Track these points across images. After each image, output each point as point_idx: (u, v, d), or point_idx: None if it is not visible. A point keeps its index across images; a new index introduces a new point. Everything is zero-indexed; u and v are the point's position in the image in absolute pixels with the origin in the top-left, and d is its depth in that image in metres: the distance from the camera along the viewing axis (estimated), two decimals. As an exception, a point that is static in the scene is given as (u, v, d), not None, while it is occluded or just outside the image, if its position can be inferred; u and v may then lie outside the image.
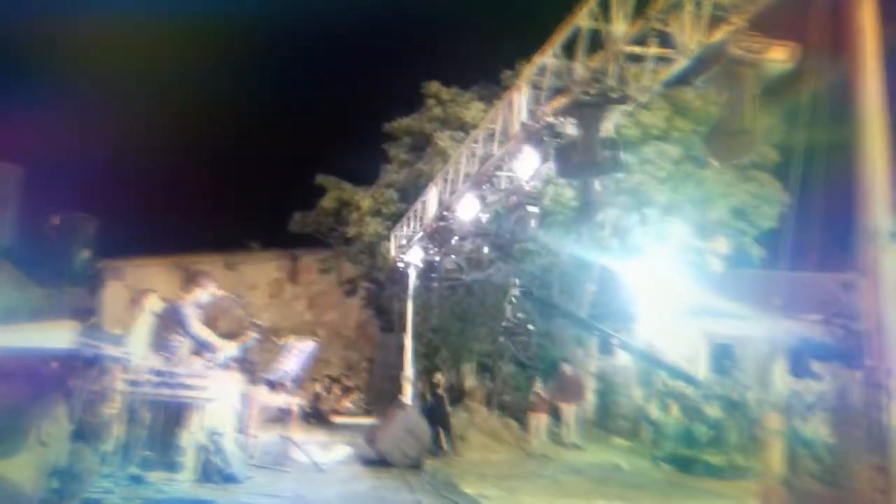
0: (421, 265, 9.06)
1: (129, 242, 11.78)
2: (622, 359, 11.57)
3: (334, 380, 13.63)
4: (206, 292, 5.85)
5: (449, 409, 10.04)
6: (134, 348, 5.31)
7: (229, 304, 6.73)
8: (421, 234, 8.39)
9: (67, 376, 3.36)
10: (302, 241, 13.80)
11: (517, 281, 8.56)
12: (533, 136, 5.12)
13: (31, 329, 3.09)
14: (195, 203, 14.21)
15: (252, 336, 6.20)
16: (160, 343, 5.49)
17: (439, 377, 10.04)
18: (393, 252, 10.22)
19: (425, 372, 11.23)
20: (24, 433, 2.97)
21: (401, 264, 9.43)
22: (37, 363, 3.13)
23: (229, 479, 5.36)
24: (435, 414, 8.97)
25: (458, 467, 7.97)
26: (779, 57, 3.41)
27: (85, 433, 3.88)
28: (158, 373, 5.13)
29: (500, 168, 6.07)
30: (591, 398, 11.61)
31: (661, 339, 10.59)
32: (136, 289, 6.51)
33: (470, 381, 10.85)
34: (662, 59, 3.99)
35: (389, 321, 12.97)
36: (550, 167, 5.12)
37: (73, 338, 3.21)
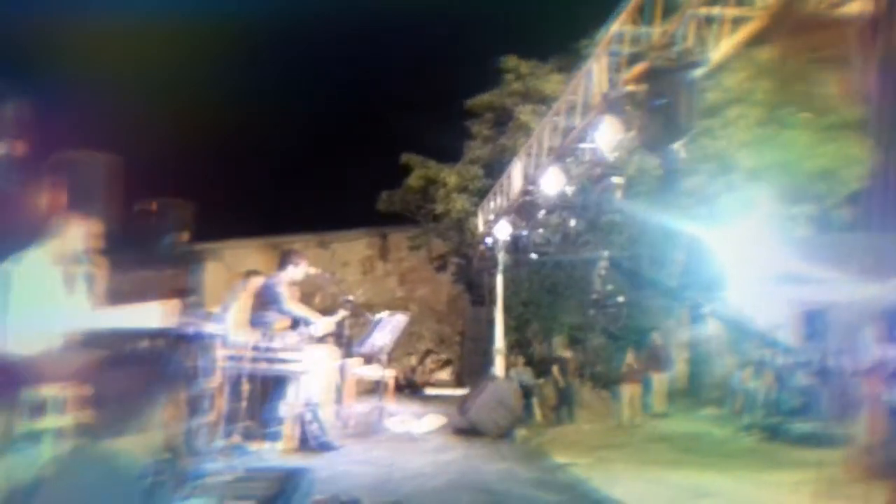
0: (509, 239, 9.05)
1: (226, 225, 12.23)
2: (712, 328, 11.24)
3: (427, 352, 13.91)
4: (299, 270, 6.04)
5: (540, 380, 10.07)
6: (233, 325, 5.61)
7: (323, 281, 6.98)
8: (507, 208, 8.38)
9: (172, 354, 3.57)
10: (391, 219, 13.95)
11: (605, 253, 8.41)
12: (613, 105, 4.98)
13: (135, 310, 3.28)
14: (287, 185, 14.67)
15: (346, 311, 6.42)
16: (258, 319, 5.75)
17: (532, 347, 10.06)
18: (481, 227, 10.24)
19: (516, 344, 11.25)
20: (138, 412, 3.18)
21: (489, 239, 9.45)
22: (142, 342, 3.34)
23: (326, 447, 5.56)
24: (526, 385, 9.00)
25: (550, 437, 7.98)
26: (858, 10, 3.14)
27: (191, 407, 4.13)
28: (256, 347, 5.37)
29: (582, 140, 5.95)
30: (681, 367, 11.36)
31: (750, 306, 10.25)
32: (244, 270, 6.83)
33: (561, 353, 10.77)
34: (740, 19, 3.77)
35: (480, 295, 12.98)
36: (633, 136, 4.98)
37: (175, 317, 3.41)
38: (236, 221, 12.95)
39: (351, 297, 6.62)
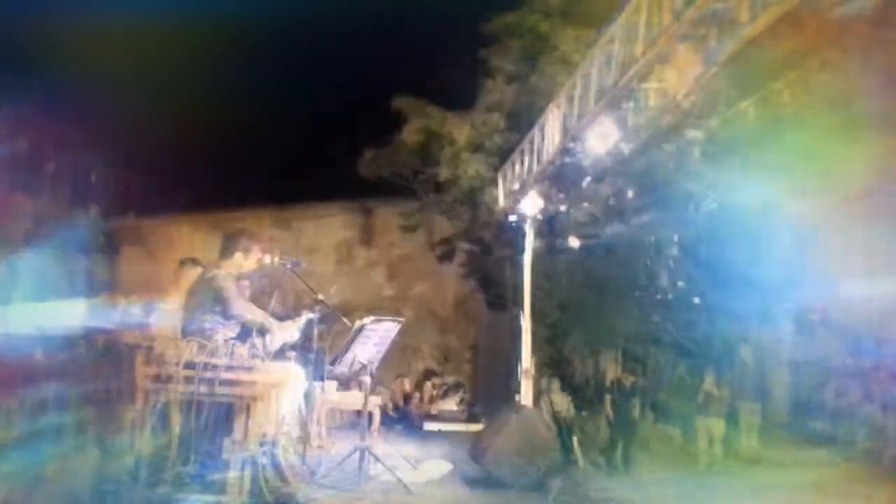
0: (541, 218, 9.02)
1: (152, 196, 12.31)
2: (824, 341, 11.22)
3: (427, 373, 13.94)
4: (250, 258, 6.06)
5: (584, 412, 10.10)
6: (161, 333, 5.61)
7: (282, 274, 6.96)
8: (539, 175, 8.36)
9: (73, 370, 3.58)
10: (376, 188, 13.94)
11: (676, 236, 8.38)
12: (692, 31, 4.95)
13: (29, 311, 3.31)
14: (234, 144, 14.60)
15: (314, 316, 6.43)
16: (194, 326, 5.76)
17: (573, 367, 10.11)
18: (502, 201, 10.22)
19: (550, 362, 11.27)
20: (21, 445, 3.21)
21: (513, 217, 9.43)
22: (33, 354, 3.36)
23: (287, 502, 5.57)
24: (564, 418, 9.04)
25: (597, 492, 7.97)
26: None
27: (101, 445, 4.15)
28: (193, 364, 5.38)
29: (646, 78, 5.92)
30: (779, 394, 11.37)
31: (877, 312, 10.22)
32: (176, 258, 6.85)
33: (613, 374, 10.80)
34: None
35: (500, 295, 13.01)
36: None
37: (80, 319, 3.42)
38: (165, 191, 12.98)
39: (321, 297, 6.63)
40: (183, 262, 6.38)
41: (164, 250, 12.56)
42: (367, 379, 7.04)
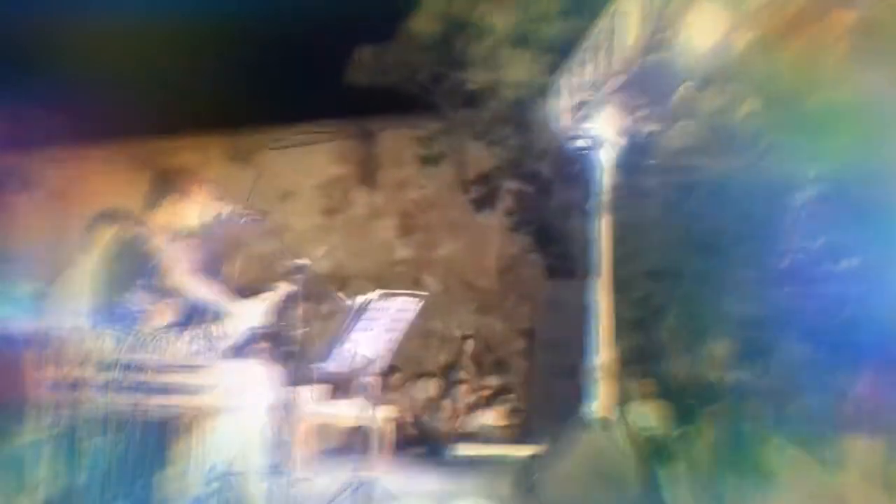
0: (621, 143, 8.97)
1: (55, 122, 12.37)
2: None
3: (458, 373, 14.03)
4: (192, 209, 6.12)
5: (684, 427, 10.10)
6: (71, 319, 5.68)
7: (244, 229, 7.01)
8: (616, 80, 8.32)
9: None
10: (380, 103, 13.93)
11: (814, 173, 8.27)
12: None
13: None
14: (167, 42, 14.53)
15: (291, 290, 6.49)
16: (114, 307, 5.83)
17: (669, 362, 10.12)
18: (563, 118, 10.18)
19: (637, 355, 11.25)
20: None
21: (581, 143, 9.40)
22: None
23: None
24: (654, 437, 9.07)
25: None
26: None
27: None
28: (109, 365, 5.46)
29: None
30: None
31: None
32: (89, 212, 6.89)
33: (721, 372, 10.77)
34: None
35: (564, 257, 13.04)
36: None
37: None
38: (73, 114, 13.03)
39: (303, 261, 6.66)
40: (97, 219, 6.44)
41: (68, 200, 12.65)
42: (373, 381, 7.10)
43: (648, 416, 10.00)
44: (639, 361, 10.60)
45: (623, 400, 9.94)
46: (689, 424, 10.06)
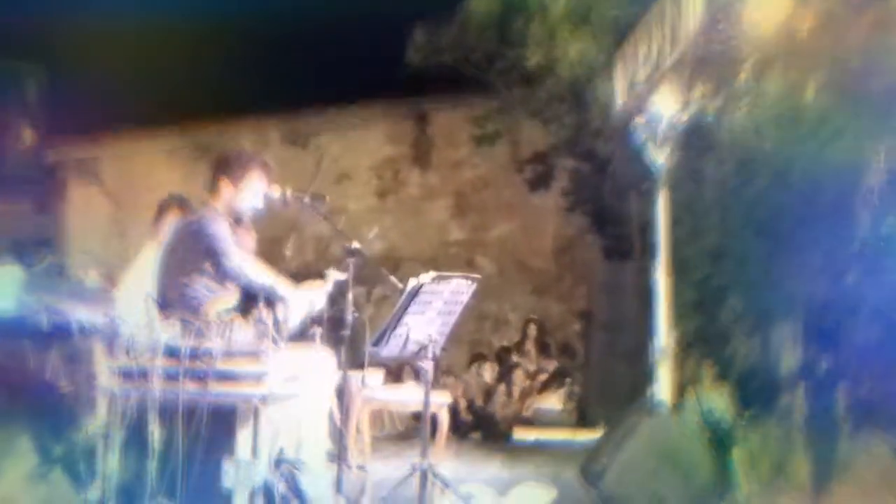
0: (681, 123, 8.96)
1: (108, 112, 12.43)
2: None
3: (516, 357, 14.05)
4: (251, 190, 6.22)
5: (748, 410, 10.08)
6: (129, 308, 5.78)
7: (300, 212, 7.09)
8: (676, 60, 8.31)
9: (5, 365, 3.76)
10: (434, 83, 13.91)
11: (882, 150, 8.19)
12: None
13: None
14: (223, 27, 14.56)
15: (345, 275, 6.57)
16: (177, 296, 5.95)
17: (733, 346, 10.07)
18: (622, 98, 10.18)
19: (700, 339, 11.21)
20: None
21: (639, 122, 9.38)
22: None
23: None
24: (720, 422, 9.06)
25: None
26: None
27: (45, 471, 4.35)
28: (175, 352, 5.58)
29: None
30: None
31: None
32: (164, 199, 6.98)
33: (791, 361, 10.71)
34: None
35: (622, 238, 13.00)
36: None
37: (14, 293, 3.59)
38: (126, 103, 13.11)
39: (357, 245, 6.73)
40: (165, 205, 6.56)
41: (129, 187, 12.76)
42: (427, 366, 7.12)
43: (713, 400, 9.97)
44: (701, 344, 10.56)
45: (686, 384, 9.96)
46: (756, 409, 10.02)
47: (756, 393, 10.20)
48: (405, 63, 13.20)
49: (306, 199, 6.65)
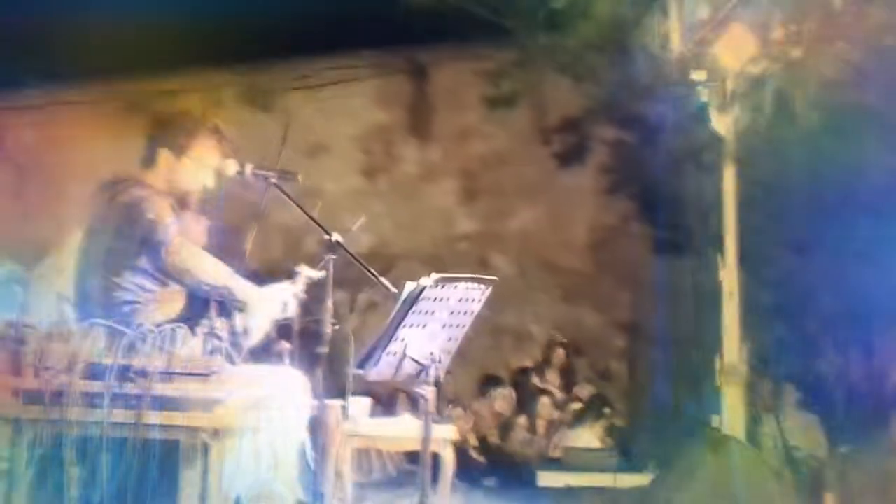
0: (752, 74, 8.95)
1: (10, 59, 12.46)
2: None
3: (541, 381, 14.05)
4: (201, 165, 6.15)
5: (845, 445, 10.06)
6: (54, 310, 5.73)
7: (263, 194, 7.04)
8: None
9: None
10: (434, 27, 13.90)
11: None
12: None
13: None
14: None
15: (321, 274, 6.49)
16: (99, 295, 5.88)
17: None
18: (677, 45, 10.16)
19: (775, 353, 11.18)
20: None
21: (698, 76, 9.37)
22: None
23: None
24: (807, 458, 9.06)
25: None
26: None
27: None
28: (99, 371, 5.50)
29: None
30: None
31: None
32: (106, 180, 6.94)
33: (891, 376, 10.72)
34: None
35: (677, 227, 13.00)
36: None
37: None
38: (47, 47, 13.12)
39: (337, 237, 6.67)
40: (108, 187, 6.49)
41: (45, 161, 12.71)
42: (428, 392, 7.08)
43: (797, 432, 9.95)
44: (779, 361, 10.53)
45: (761, 412, 9.93)
46: (848, 444, 9.98)
47: (854, 423, 10.16)
48: (398, 1, 13.20)
49: (272, 178, 6.61)
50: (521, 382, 14.11)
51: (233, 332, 5.95)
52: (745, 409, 9.25)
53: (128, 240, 5.92)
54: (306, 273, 6.44)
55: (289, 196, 6.68)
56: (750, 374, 9.76)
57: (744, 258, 9.39)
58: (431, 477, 7.28)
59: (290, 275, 6.47)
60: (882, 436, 9.90)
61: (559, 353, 14.18)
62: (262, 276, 6.52)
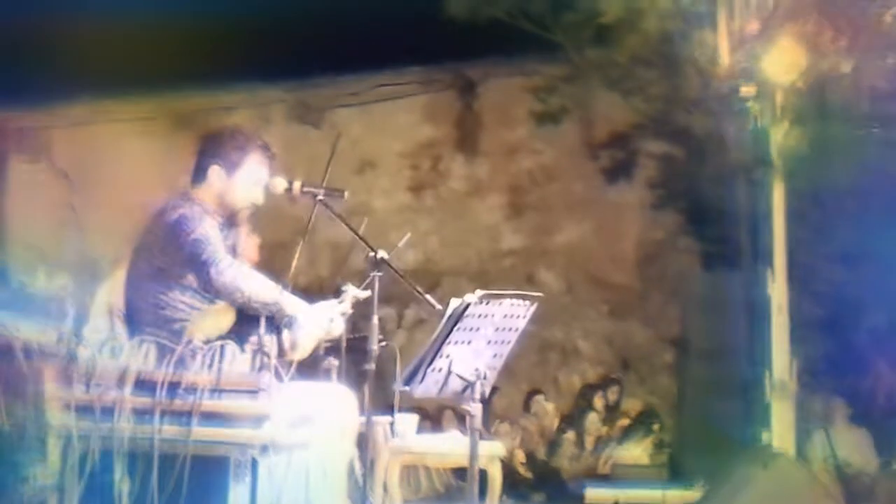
0: (802, 86, 8.90)
1: (62, 71, 12.48)
2: None
3: (591, 393, 13.99)
4: (252, 182, 6.16)
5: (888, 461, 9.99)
6: (102, 325, 5.74)
7: (310, 210, 7.04)
8: (796, 3, 8.22)
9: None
10: (482, 43, 13.90)
11: None
12: None
13: None
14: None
15: (367, 293, 6.48)
16: (147, 310, 5.89)
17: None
18: (726, 59, 10.12)
19: (828, 370, 11.10)
20: None
21: (747, 89, 9.32)
22: None
23: None
24: (859, 475, 9.00)
25: None
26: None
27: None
28: (149, 385, 5.52)
29: None
30: None
31: None
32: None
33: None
34: None
35: (725, 241, 12.94)
36: None
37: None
38: (85, 66, 13.14)
39: (383, 254, 6.66)
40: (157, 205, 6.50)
41: (91, 174, 12.76)
42: (475, 409, 7.05)
43: (849, 446, 9.86)
44: (829, 375, 10.46)
45: (811, 426, 9.85)
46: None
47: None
48: (446, 17, 13.19)
49: (319, 195, 6.60)
50: (573, 397, 14.11)
51: (281, 349, 5.93)
52: (794, 425, 9.19)
53: (174, 257, 5.91)
54: (352, 292, 6.43)
55: (335, 213, 6.67)
56: (799, 388, 9.70)
57: (792, 272, 9.35)
58: (479, 493, 7.27)
59: (336, 292, 6.46)
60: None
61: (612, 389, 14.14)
62: (310, 292, 6.51)
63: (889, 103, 8.42)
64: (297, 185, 6.40)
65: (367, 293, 6.39)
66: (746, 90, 9.40)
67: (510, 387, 13.02)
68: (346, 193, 6.78)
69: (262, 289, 5.98)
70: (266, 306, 5.93)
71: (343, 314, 6.32)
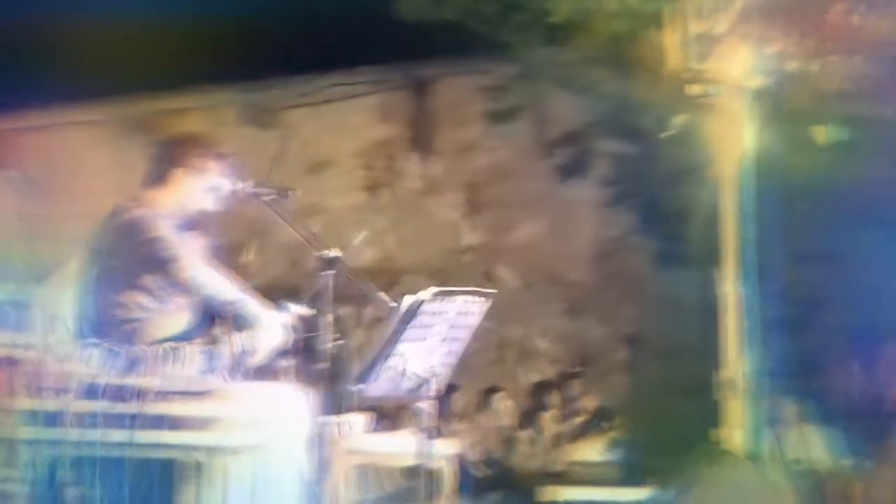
0: (754, 86, 8.93)
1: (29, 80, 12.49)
2: None
3: (544, 392, 14.02)
4: (199, 186, 6.13)
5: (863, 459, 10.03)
6: (50, 330, 5.71)
7: (262, 211, 7.03)
8: (748, 2, 8.24)
9: None
10: (435, 43, 13.87)
11: None
12: None
13: None
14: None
15: (323, 287, 6.46)
16: (104, 316, 5.86)
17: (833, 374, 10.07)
18: (676, 56, 10.15)
19: (783, 366, 11.15)
20: None
21: (699, 88, 9.35)
22: None
23: None
24: (821, 472, 9.04)
25: None
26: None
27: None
28: (95, 390, 5.47)
29: None
30: None
31: None
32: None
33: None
34: None
35: (679, 239, 12.97)
36: None
37: None
38: (49, 72, 13.13)
39: (335, 253, 6.65)
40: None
41: (47, 178, 12.68)
42: (428, 407, 7.06)
43: (795, 446, 9.90)
44: (787, 374, 10.47)
45: (765, 425, 9.87)
46: (861, 458, 9.92)
47: (862, 437, 10.12)
48: (397, 17, 13.17)
49: (264, 195, 6.59)
50: (527, 395, 14.11)
51: (237, 349, 5.93)
52: (745, 423, 9.21)
53: (130, 258, 5.91)
54: (294, 310, 6.43)
55: (279, 214, 6.66)
56: (751, 387, 9.73)
57: (746, 271, 9.36)
58: (431, 493, 7.26)
59: (291, 292, 6.46)
60: (886, 448, 9.88)
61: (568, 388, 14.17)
62: (266, 293, 6.50)
63: (856, 104, 8.43)
64: (242, 185, 6.39)
65: (311, 312, 6.41)
66: (699, 89, 9.41)
67: (467, 385, 13.01)
68: (299, 193, 6.77)
69: (223, 287, 5.99)
70: (229, 304, 5.95)
71: (296, 317, 6.33)
